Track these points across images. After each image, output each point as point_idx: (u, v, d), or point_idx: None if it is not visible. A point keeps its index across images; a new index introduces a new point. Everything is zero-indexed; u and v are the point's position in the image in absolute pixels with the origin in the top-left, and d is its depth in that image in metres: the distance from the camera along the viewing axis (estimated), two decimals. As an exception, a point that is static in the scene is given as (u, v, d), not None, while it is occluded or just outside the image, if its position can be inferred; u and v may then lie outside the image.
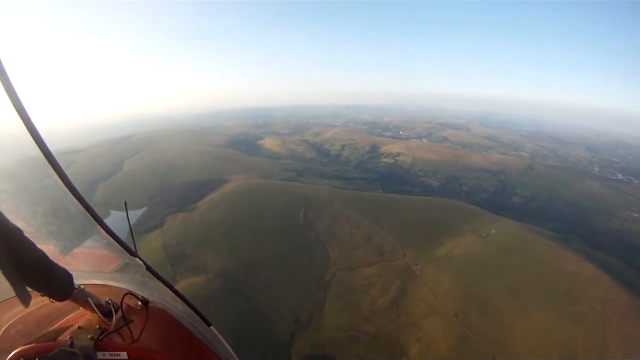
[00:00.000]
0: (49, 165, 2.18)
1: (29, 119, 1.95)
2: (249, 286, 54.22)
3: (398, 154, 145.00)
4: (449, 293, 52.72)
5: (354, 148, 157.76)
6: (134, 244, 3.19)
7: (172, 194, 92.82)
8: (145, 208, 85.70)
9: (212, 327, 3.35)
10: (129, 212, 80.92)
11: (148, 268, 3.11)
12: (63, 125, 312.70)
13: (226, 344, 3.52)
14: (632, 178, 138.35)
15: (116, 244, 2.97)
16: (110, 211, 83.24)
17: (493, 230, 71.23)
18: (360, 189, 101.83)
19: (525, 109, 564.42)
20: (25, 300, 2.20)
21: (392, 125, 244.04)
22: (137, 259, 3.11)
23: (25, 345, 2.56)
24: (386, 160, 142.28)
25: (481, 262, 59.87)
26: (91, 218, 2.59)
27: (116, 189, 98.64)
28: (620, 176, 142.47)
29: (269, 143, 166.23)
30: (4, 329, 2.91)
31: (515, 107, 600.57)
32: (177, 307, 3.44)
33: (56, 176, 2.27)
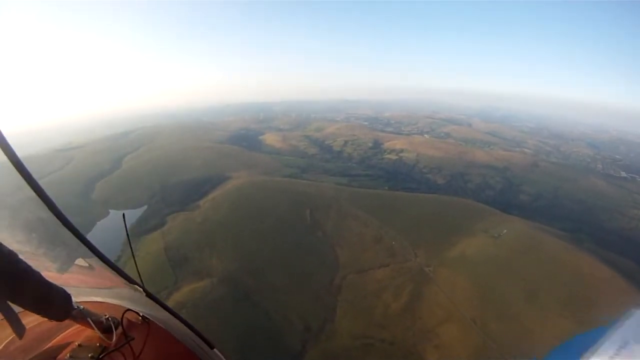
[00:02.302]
0: (38, 198, 2.03)
1: (8, 144, 1.80)
2: (256, 291, 51.62)
3: (401, 150, 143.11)
4: (465, 297, 50.65)
5: (357, 144, 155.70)
6: (136, 264, 3.16)
7: (173, 192, 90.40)
8: (145, 207, 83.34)
9: (215, 350, 3.22)
10: (131, 216, 78.59)
11: (148, 295, 2.94)
12: (62, 121, 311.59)
13: None
14: (636, 176, 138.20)
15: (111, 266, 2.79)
16: (110, 210, 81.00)
17: (505, 230, 69.36)
18: (366, 186, 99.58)
19: (524, 104, 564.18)
20: (19, 332, 2.19)
21: (393, 121, 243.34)
22: (136, 286, 2.92)
23: None
24: (390, 156, 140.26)
25: (495, 264, 57.97)
26: (84, 247, 2.47)
27: (115, 187, 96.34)
28: (623, 174, 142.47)
29: (270, 139, 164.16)
30: (3, 344, 2.80)
31: (514, 102, 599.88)
32: (179, 326, 3.23)
33: (46, 208, 2.10)
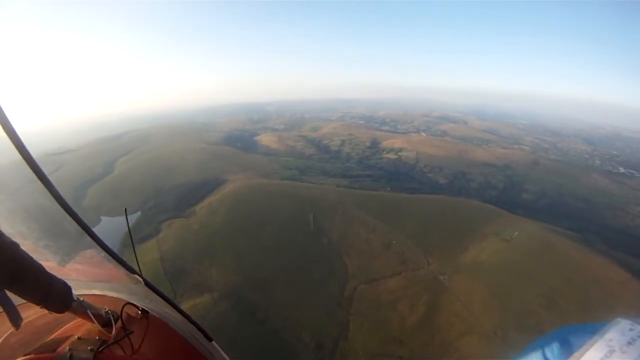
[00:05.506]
0: (40, 181, 2.03)
1: (14, 130, 1.82)
2: (262, 306, 47.97)
3: (400, 149, 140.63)
4: (484, 306, 47.63)
5: (354, 143, 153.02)
6: (136, 255, 3.08)
7: (168, 197, 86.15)
8: (138, 213, 78.97)
9: (213, 342, 3.23)
10: (124, 224, 74.77)
11: (147, 284, 2.87)
12: (53, 124, 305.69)
13: None
14: (634, 171, 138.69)
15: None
16: (101, 217, 76.85)
17: (516, 233, 66.76)
18: (368, 187, 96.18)
19: (516, 101, 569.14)
20: (16, 323, 2.20)
21: (389, 119, 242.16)
22: (135, 275, 2.86)
23: (24, 356, 2.55)
24: (389, 155, 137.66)
25: (511, 269, 55.17)
26: (85, 233, 2.44)
27: (107, 192, 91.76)
28: (622, 169, 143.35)
29: (266, 139, 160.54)
30: (3, 337, 2.81)
31: (506, 99, 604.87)
32: (178, 319, 3.27)
33: (48, 192, 2.11)
